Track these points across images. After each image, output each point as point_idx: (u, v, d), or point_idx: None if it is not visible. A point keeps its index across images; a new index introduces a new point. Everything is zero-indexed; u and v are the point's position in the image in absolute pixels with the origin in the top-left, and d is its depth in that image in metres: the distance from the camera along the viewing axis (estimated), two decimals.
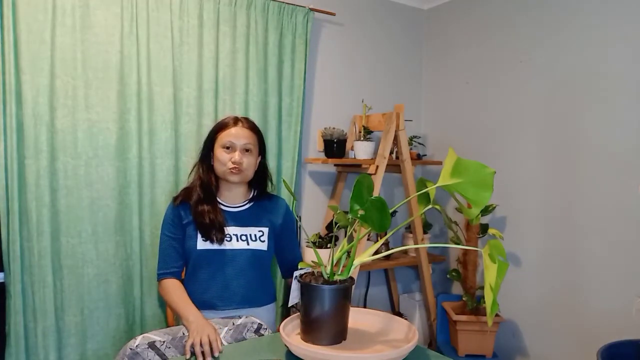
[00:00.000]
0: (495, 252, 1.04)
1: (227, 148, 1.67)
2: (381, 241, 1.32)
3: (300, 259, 1.87)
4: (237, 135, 1.68)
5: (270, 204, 1.80)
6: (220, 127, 1.71)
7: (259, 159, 1.78)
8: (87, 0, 1.99)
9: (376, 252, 1.31)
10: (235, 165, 1.66)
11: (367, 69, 2.90)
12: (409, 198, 1.31)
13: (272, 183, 1.85)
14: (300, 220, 2.61)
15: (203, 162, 1.74)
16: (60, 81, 1.95)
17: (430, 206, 1.25)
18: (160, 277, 1.68)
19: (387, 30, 2.97)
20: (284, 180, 1.41)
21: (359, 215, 1.17)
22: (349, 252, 1.31)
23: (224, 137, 1.68)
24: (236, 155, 1.66)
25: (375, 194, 2.38)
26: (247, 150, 1.69)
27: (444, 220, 1.28)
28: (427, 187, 1.29)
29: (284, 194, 2.45)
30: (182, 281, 1.72)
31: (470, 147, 2.79)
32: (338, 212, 1.34)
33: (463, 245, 2.50)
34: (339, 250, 1.28)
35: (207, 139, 1.75)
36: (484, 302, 2.36)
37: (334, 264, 1.26)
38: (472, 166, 1.09)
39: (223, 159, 1.67)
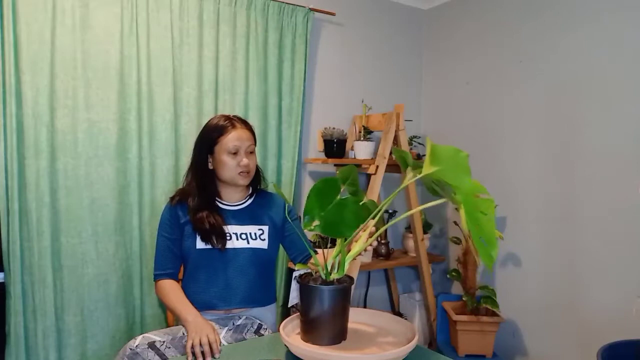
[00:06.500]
0: (468, 194, 0.98)
1: (234, 153, 1.63)
2: (366, 233, 1.30)
3: (306, 244, 1.82)
4: (241, 138, 1.63)
5: (269, 201, 1.78)
6: (219, 132, 1.64)
7: None
8: (87, 0, 1.99)
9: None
10: (244, 169, 1.64)
11: (367, 69, 2.90)
12: (399, 189, 1.29)
13: (264, 178, 1.82)
14: (300, 221, 2.61)
15: (199, 168, 1.68)
16: (60, 81, 1.95)
17: (418, 176, 1.20)
18: (157, 277, 1.67)
19: (387, 30, 2.97)
20: (274, 185, 1.40)
21: (313, 228, 1.11)
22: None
23: (229, 142, 1.62)
24: (244, 159, 1.63)
25: (375, 193, 2.39)
26: (251, 152, 1.67)
27: (427, 187, 1.23)
28: (403, 155, 1.25)
29: (285, 194, 2.46)
30: (180, 282, 1.72)
31: (470, 147, 2.79)
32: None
33: (464, 245, 2.50)
34: (334, 251, 1.27)
35: (202, 143, 1.67)
36: (484, 302, 2.36)
37: (329, 264, 1.26)
38: (447, 152, 1.07)
39: (231, 164, 1.63)
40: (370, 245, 1.34)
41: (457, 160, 1.05)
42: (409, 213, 1.26)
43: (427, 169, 1.09)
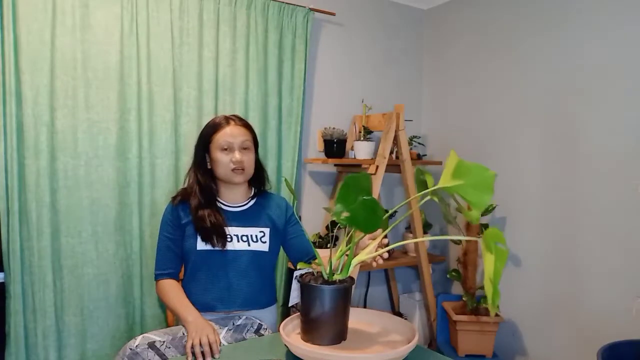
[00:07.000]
0: (491, 240, 1.01)
1: (226, 149, 1.62)
2: (378, 239, 1.31)
3: (310, 246, 1.76)
4: (233, 134, 1.63)
5: (271, 203, 1.77)
6: (213, 130, 1.65)
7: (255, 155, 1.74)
8: (87, 1, 1.99)
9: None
10: (237, 166, 1.63)
11: (367, 69, 2.90)
12: (410, 199, 1.30)
13: (268, 179, 1.81)
14: (300, 220, 2.61)
15: (199, 167, 1.69)
16: (60, 81, 1.95)
17: (428, 197, 1.21)
18: (158, 277, 1.67)
19: (387, 30, 2.97)
20: (285, 180, 1.39)
21: (342, 218, 1.13)
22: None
23: (220, 138, 1.63)
24: (236, 155, 1.62)
25: (375, 194, 2.39)
26: (245, 148, 1.65)
27: (442, 212, 1.24)
28: (424, 177, 1.27)
29: (284, 193, 2.45)
30: (181, 282, 1.71)
31: (470, 147, 2.79)
32: (332, 213, 1.33)
33: (464, 245, 2.50)
34: (338, 251, 1.27)
35: (199, 142, 1.69)
36: (484, 302, 2.36)
37: (332, 265, 1.26)
38: (474, 168, 1.08)
39: (223, 161, 1.63)
40: (381, 256, 1.33)
41: (483, 177, 1.06)
42: (413, 241, 1.26)
43: (447, 181, 1.10)
